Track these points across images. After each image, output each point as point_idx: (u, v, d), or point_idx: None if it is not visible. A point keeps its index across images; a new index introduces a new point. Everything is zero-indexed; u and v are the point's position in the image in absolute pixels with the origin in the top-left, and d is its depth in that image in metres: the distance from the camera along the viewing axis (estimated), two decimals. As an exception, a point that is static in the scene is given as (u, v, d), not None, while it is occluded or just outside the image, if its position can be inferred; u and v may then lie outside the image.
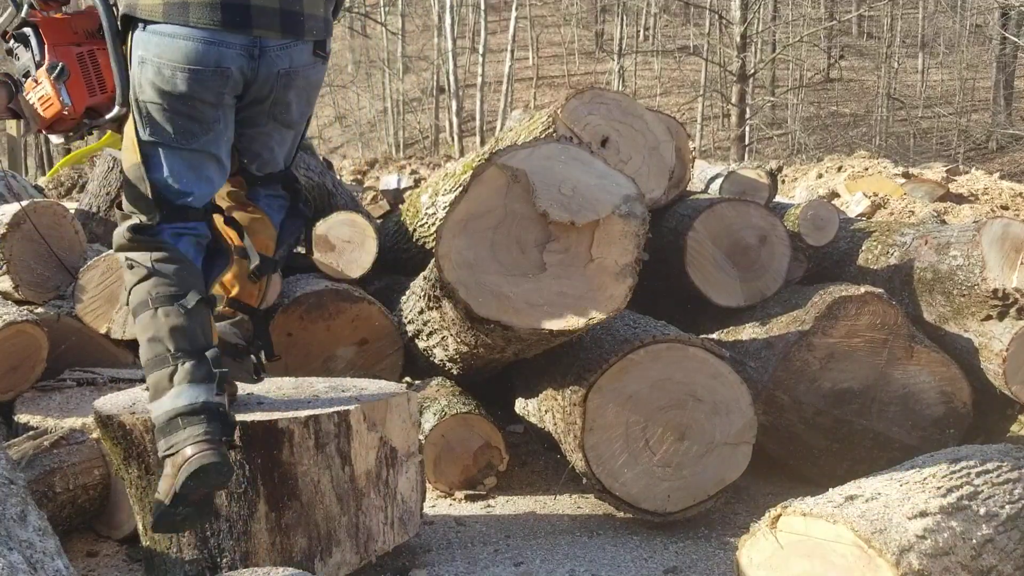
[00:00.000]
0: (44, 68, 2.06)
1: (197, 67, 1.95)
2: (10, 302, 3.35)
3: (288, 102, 2.12)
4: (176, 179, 2.03)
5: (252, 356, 2.24)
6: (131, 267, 2.01)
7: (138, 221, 2.02)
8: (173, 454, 1.88)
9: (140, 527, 2.26)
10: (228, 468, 1.89)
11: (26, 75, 2.13)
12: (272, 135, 2.17)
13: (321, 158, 5.58)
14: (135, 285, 2.00)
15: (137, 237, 2.01)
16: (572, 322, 2.38)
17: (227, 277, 2.18)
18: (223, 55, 1.95)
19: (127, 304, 2.04)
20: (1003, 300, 3.13)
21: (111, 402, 2.29)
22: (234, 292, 2.20)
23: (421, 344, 3.25)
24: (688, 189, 4.08)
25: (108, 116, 2.12)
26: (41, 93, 2.08)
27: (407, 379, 3.56)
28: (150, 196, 2.01)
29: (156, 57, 1.96)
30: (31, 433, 2.66)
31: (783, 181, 9.91)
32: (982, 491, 2.07)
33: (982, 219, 3.72)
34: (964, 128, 25.84)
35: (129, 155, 2.04)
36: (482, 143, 18.51)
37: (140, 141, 2.02)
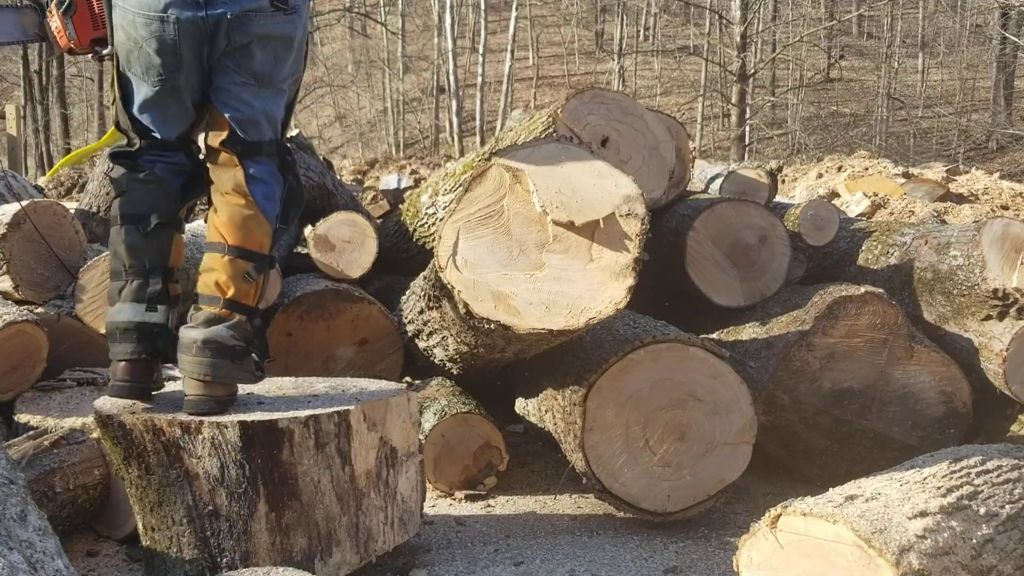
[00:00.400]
0: (55, 2, 2.28)
1: (147, 12, 2.11)
2: (10, 302, 3.35)
3: (246, 47, 2.17)
4: (144, 116, 2.25)
5: (253, 356, 2.23)
6: (113, 182, 2.30)
7: (124, 142, 2.27)
8: (113, 361, 2.22)
9: (140, 527, 2.26)
10: (146, 398, 2.21)
11: (49, 1, 2.34)
12: (242, 86, 2.21)
13: (321, 158, 5.58)
14: (114, 200, 2.27)
15: (120, 159, 2.27)
16: (572, 322, 2.37)
17: (223, 278, 2.18)
18: (169, 2, 2.10)
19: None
20: (1003, 300, 3.13)
21: (111, 402, 2.28)
22: (230, 293, 2.18)
23: (421, 344, 3.25)
24: (688, 189, 4.08)
25: (105, 52, 2.31)
26: (55, 25, 2.31)
27: (407, 379, 3.55)
28: (131, 125, 2.27)
29: (121, 1, 2.14)
30: (31, 433, 2.66)
31: (783, 181, 9.91)
32: (982, 491, 2.07)
33: (982, 219, 3.72)
34: (964, 128, 25.85)
35: (114, 89, 2.28)
36: (482, 143, 18.51)
37: (117, 77, 2.25)
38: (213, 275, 2.18)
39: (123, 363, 2.18)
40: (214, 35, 2.14)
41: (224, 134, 2.22)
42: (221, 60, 2.19)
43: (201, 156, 2.34)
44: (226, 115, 2.21)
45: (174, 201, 2.29)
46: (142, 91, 2.22)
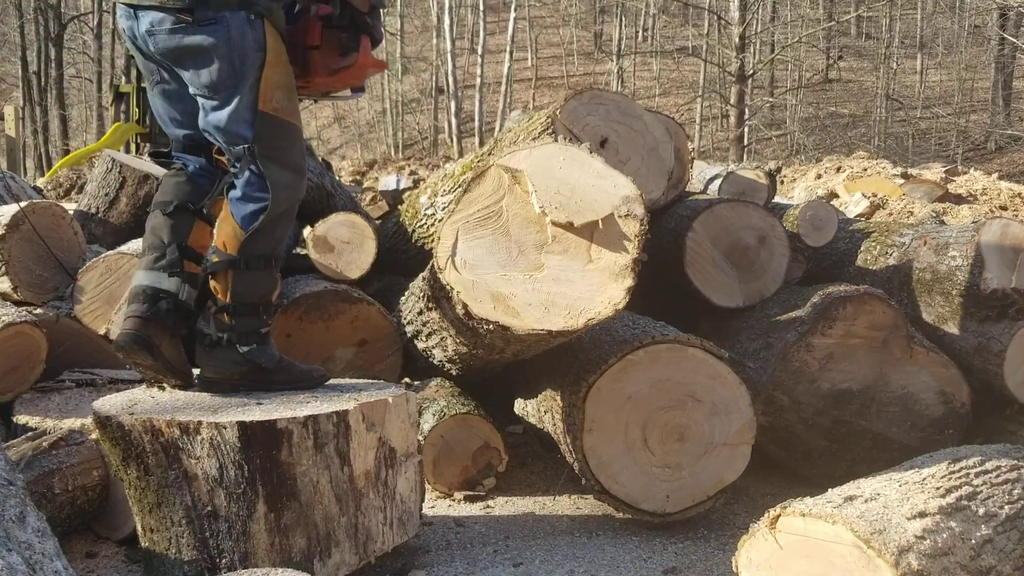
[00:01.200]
0: None
1: (121, 23, 2.33)
2: (9, 303, 3.35)
3: (179, 60, 2.27)
4: (156, 116, 2.46)
5: (238, 347, 2.33)
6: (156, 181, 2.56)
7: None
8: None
9: (139, 528, 2.26)
10: (139, 348, 2.27)
11: None
12: (199, 97, 2.29)
13: (320, 159, 5.58)
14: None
15: (157, 158, 2.52)
16: (571, 323, 2.37)
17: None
18: (119, 13, 2.32)
19: None
20: (1002, 300, 3.13)
21: (110, 403, 2.28)
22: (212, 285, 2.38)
23: (420, 345, 3.24)
24: (687, 190, 4.08)
25: None
26: None
27: (406, 379, 3.55)
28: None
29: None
30: (30, 434, 2.66)
31: (782, 182, 9.93)
32: (981, 491, 2.07)
33: (981, 219, 3.72)
34: (963, 129, 25.89)
35: None
36: (481, 144, 18.52)
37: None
38: None
39: (128, 319, 2.31)
40: (144, 45, 2.28)
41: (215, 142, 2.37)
42: (180, 72, 2.31)
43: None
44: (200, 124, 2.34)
45: (199, 193, 2.41)
46: (147, 95, 2.44)
